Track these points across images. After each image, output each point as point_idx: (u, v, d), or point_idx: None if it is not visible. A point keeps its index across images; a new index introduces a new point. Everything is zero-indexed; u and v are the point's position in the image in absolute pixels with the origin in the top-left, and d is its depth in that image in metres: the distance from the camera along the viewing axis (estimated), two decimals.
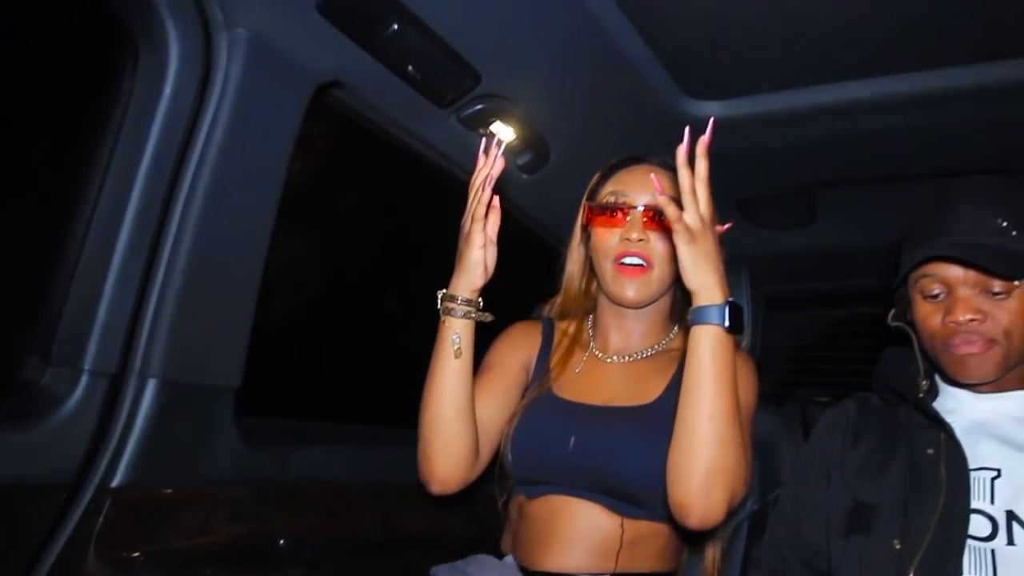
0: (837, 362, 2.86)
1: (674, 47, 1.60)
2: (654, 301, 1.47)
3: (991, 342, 1.26)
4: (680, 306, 1.54)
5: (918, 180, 1.98)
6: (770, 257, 2.45)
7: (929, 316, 1.31)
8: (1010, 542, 1.19)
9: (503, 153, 1.26)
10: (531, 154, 1.86)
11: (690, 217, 1.11)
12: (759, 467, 1.68)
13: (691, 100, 1.79)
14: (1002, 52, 1.49)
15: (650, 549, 1.38)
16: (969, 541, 1.21)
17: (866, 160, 1.97)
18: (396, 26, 1.35)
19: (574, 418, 1.40)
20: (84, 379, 1.17)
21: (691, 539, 1.45)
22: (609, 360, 1.51)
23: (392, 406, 1.82)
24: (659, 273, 1.41)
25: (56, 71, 1.22)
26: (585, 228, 1.52)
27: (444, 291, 1.32)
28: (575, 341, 1.56)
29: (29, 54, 1.18)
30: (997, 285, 1.24)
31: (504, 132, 1.73)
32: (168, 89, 1.21)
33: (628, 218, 1.41)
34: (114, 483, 1.19)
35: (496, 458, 1.44)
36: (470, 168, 1.85)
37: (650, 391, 1.42)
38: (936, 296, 1.30)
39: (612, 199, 1.45)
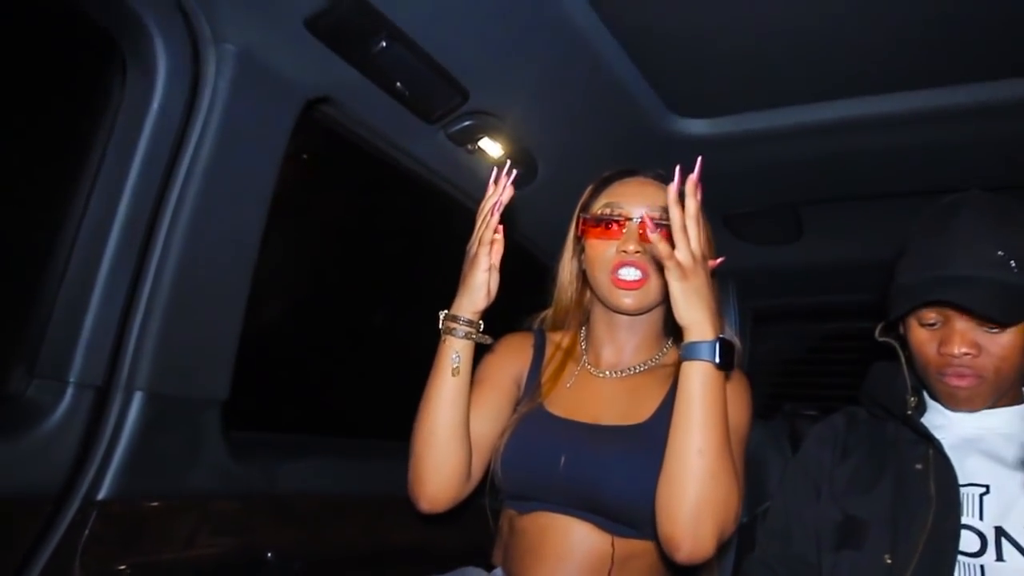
0: (824, 376, 2.86)
1: (661, 65, 1.61)
2: (652, 309, 1.48)
3: (981, 378, 1.26)
4: (674, 320, 1.54)
5: (905, 197, 1.99)
6: (757, 272, 2.46)
7: (924, 344, 1.31)
8: (999, 558, 1.19)
9: (512, 182, 1.29)
10: (519, 170, 1.86)
11: (681, 254, 1.13)
12: (747, 480, 1.68)
13: (678, 118, 1.80)
14: (988, 72, 1.51)
15: (641, 565, 1.37)
16: (958, 556, 1.21)
17: (852, 177, 1.98)
18: (384, 43, 1.36)
19: (565, 436, 1.39)
20: (70, 391, 1.17)
21: None
22: (601, 375, 1.50)
23: (380, 419, 1.83)
24: (656, 283, 1.40)
25: (44, 85, 1.23)
26: (578, 240, 1.52)
27: (446, 311, 1.33)
28: (567, 354, 1.55)
29: (17, 68, 1.18)
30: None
31: (492, 148, 1.75)
32: (156, 104, 1.21)
33: (624, 230, 1.42)
34: (100, 496, 1.18)
35: (488, 471, 1.43)
36: (458, 184, 1.89)
37: (642, 410, 1.41)
38: (933, 324, 1.30)
39: (608, 211, 1.45)
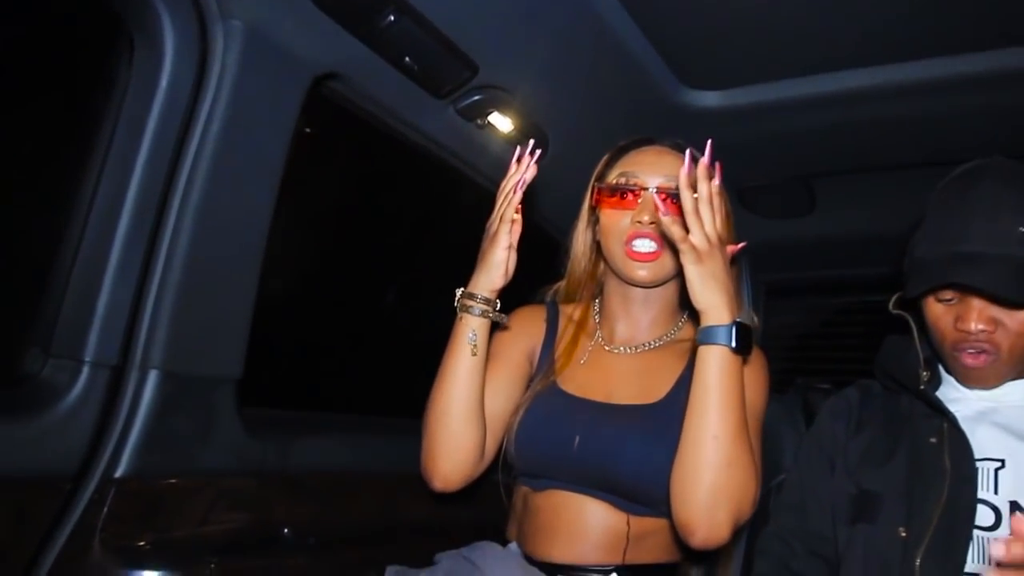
0: (838, 349, 2.85)
1: (672, 37, 1.60)
2: (667, 281, 1.45)
3: (997, 355, 1.24)
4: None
5: (918, 168, 1.97)
6: (770, 246, 2.45)
7: (940, 318, 1.29)
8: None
9: (536, 161, 1.27)
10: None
11: (696, 238, 1.12)
12: (761, 454, 1.69)
13: (689, 90, 1.79)
14: (1002, 40, 1.48)
15: (657, 541, 1.37)
16: (972, 534, 1.21)
17: (865, 149, 1.97)
18: (392, 17, 1.35)
19: (579, 416, 1.38)
20: (85, 371, 1.18)
21: None
22: (616, 351, 1.48)
23: (394, 395, 1.83)
24: (671, 256, 1.37)
25: (51, 64, 1.23)
26: (593, 210, 1.49)
27: (463, 288, 1.31)
28: (580, 328, 1.53)
29: (24, 47, 1.18)
30: None
31: (502, 123, 1.74)
32: (164, 81, 1.21)
33: (639, 200, 1.39)
34: (117, 474, 1.20)
35: (501, 448, 1.43)
36: (468, 159, 1.88)
37: (657, 389, 1.40)
38: (949, 300, 1.28)
39: (623, 180, 1.42)
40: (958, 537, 1.20)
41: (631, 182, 1.41)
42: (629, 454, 1.31)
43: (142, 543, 1.22)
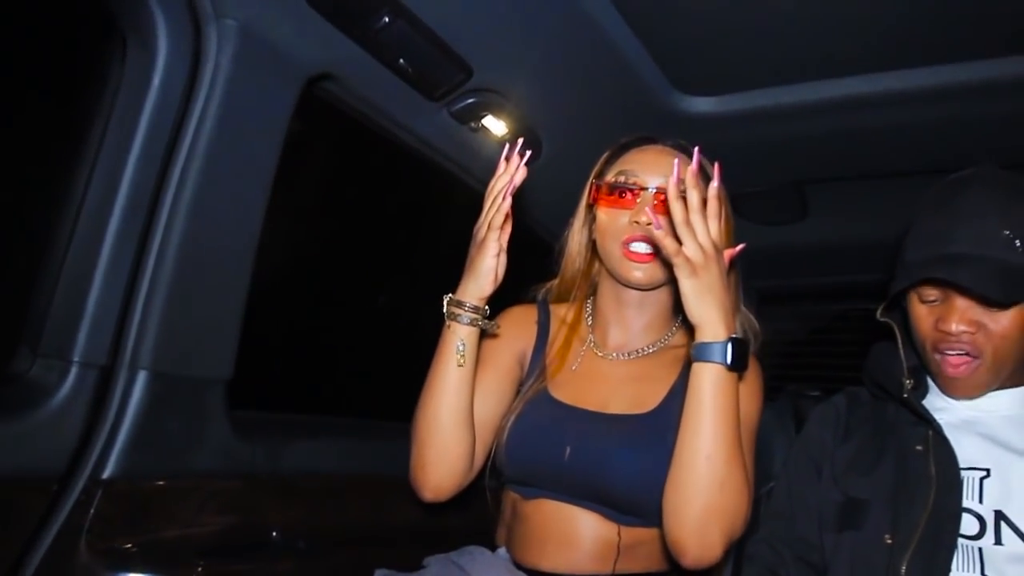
0: (828, 356, 2.86)
1: (666, 42, 1.60)
2: (662, 284, 1.42)
3: (979, 360, 1.25)
4: None
5: (911, 176, 1.99)
6: (762, 252, 2.45)
7: (923, 319, 1.30)
8: (997, 542, 1.20)
9: (526, 162, 1.24)
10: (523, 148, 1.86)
11: (690, 250, 1.09)
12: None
13: (683, 96, 1.79)
14: (996, 49, 1.49)
15: (648, 551, 1.35)
16: (956, 542, 1.22)
17: (858, 156, 1.97)
18: (387, 18, 1.34)
19: (570, 425, 1.35)
20: (73, 371, 1.17)
21: None
22: (609, 357, 1.46)
23: (384, 398, 1.83)
24: None
25: (43, 62, 1.22)
26: (590, 208, 1.46)
27: (450, 296, 1.28)
28: (572, 331, 1.50)
29: (15, 45, 1.17)
30: None
31: (495, 126, 1.73)
32: (157, 80, 1.20)
33: (638, 200, 1.35)
34: (105, 475, 1.19)
35: (491, 453, 1.41)
36: (461, 162, 1.87)
37: (649, 398, 1.37)
38: (933, 301, 1.29)
39: (622, 179, 1.39)
40: (943, 545, 1.21)
41: (630, 181, 1.38)
42: (620, 466, 1.29)
43: (129, 545, 1.21)
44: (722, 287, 1.13)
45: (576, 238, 1.50)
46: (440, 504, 1.39)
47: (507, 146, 1.26)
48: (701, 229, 1.10)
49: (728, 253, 1.19)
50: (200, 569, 1.26)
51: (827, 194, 2.25)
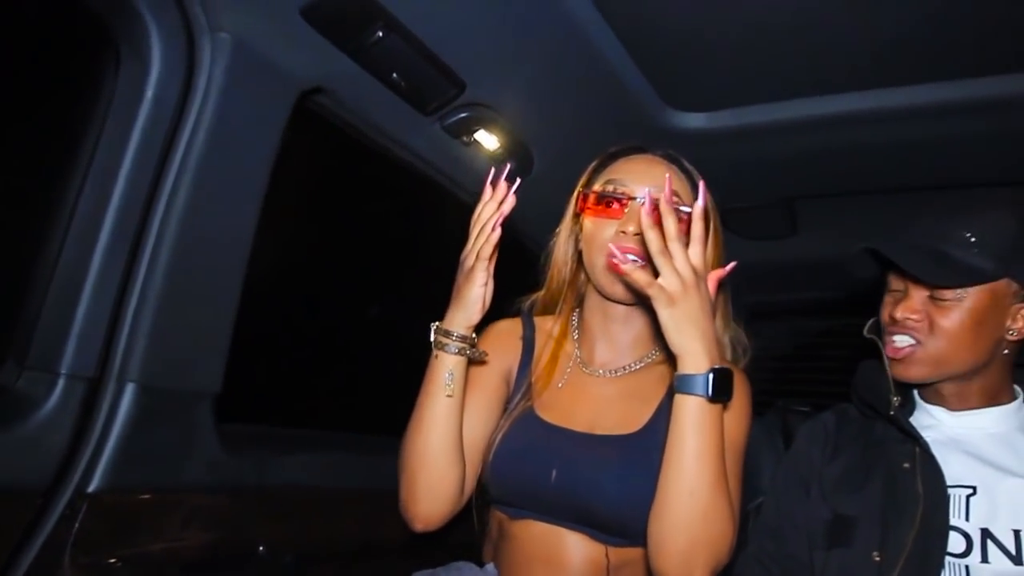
0: (818, 372, 2.87)
1: (657, 58, 1.61)
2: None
3: (919, 347, 1.30)
4: None
5: (900, 193, 2.00)
6: (752, 268, 2.45)
7: (885, 308, 1.37)
8: (984, 559, 1.20)
9: (515, 190, 1.21)
10: (515, 162, 1.86)
11: (667, 279, 1.06)
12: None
13: (674, 111, 1.80)
14: (984, 68, 1.51)
15: (636, 571, 1.32)
16: (944, 559, 1.22)
17: (848, 172, 1.99)
18: (380, 33, 1.35)
19: (556, 447, 1.32)
20: (61, 383, 1.16)
21: None
22: (596, 375, 1.42)
23: (372, 413, 1.82)
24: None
25: (37, 73, 1.21)
26: (577, 217, 1.42)
27: (437, 324, 1.26)
28: (559, 346, 1.46)
29: (8, 55, 1.17)
30: (947, 293, 1.27)
31: (488, 141, 1.74)
32: (150, 93, 1.20)
33: (626, 210, 1.31)
34: (91, 488, 1.18)
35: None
36: (454, 176, 1.88)
37: (636, 418, 1.34)
38: (895, 291, 1.35)
39: (610, 188, 1.34)
40: (932, 563, 1.21)
41: (618, 190, 1.34)
42: (607, 489, 1.27)
43: (113, 560, 1.20)
44: (704, 314, 1.09)
45: (562, 248, 1.46)
46: None
47: (493, 170, 1.24)
48: (680, 256, 1.07)
49: (716, 275, 1.17)
50: None
51: (817, 210, 2.26)
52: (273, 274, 1.65)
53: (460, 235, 1.29)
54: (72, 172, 1.20)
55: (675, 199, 1.28)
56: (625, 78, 1.64)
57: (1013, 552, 1.19)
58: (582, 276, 1.47)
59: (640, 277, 1.07)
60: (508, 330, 1.49)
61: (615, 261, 1.12)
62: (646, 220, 1.07)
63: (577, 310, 1.51)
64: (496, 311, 1.45)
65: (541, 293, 1.51)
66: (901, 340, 1.32)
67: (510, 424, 1.37)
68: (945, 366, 1.30)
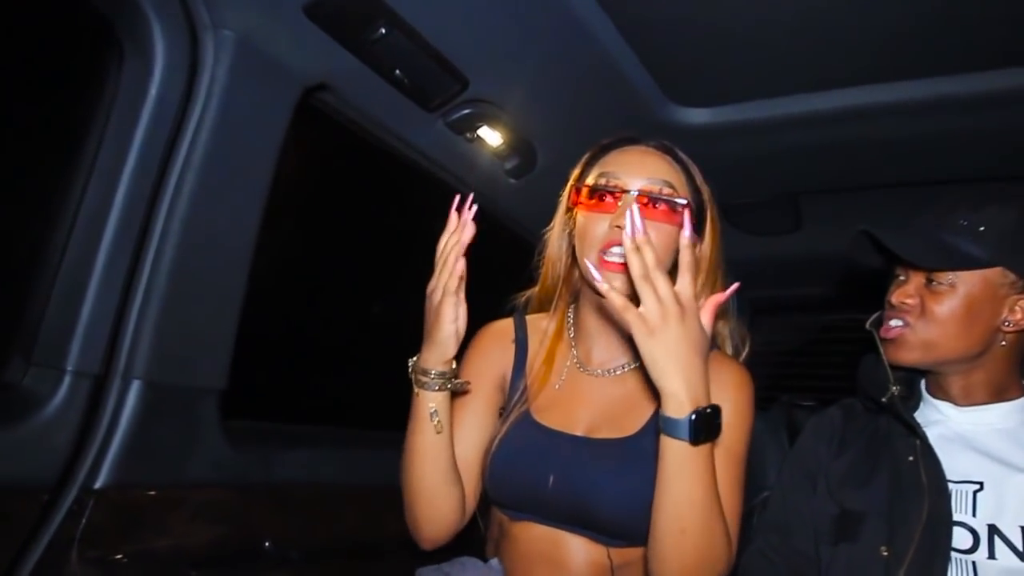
0: (823, 366, 2.87)
1: (661, 54, 1.61)
2: None
3: (909, 329, 1.32)
4: None
5: (904, 187, 2.00)
6: (756, 263, 2.46)
7: (888, 294, 1.38)
8: (991, 555, 1.20)
9: (474, 218, 1.17)
10: (518, 159, 1.86)
11: (647, 307, 1.00)
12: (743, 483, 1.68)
13: (677, 107, 1.80)
14: (988, 62, 1.51)
15: (640, 570, 1.29)
16: (951, 552, 1.22)
17: (852, 167, 1.98)
18: (384, 30, 1.35)
19: (554, 451, 1.29)
20: (67, 380, 1.16)
21: None
22: (594, 374, 1.38)
23: (376, 408, 1.82)
24: None
25: (40, 72, 1.22)
26: (570, 211, 1.37)
27: (414, 361, 1.23)
28: (555, 345, 1.43)
29: (13, 53, 1.17)
30: (941, 278, 1.29)
31: (491, 137, 1.74)
32: (154, 90, 1.21)
33: (619, 203, 1.25)
34: (97, 484, 1.18)
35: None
36: (457, 173, 1.88)
37: (634, 419, 1.30)
38: (898, 277, 1.37)
39: (603, 182, 1.28)
40: (939, 554, 1.21)
41: (611, 183, 1.28)
42: (605, 493, 1.25)
43: (120, 555, 1.20)
44: (689, 348, 1.02)
45: (555, 243, 1.41)
46: None
47: (456, 198, 1.20)
48: (663, 284, 1.01)
49: (714, 300, 1.09)
50: None
51: (821, 205, 2.26)
52: (277, 270, 1.65)
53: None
54: (76, 169, 1.20)
55: (669, 191, 1.27)
56: (628, 74, 1.63)
57: (1020, 548, 1.19)
58: (576, 272, 1.41)
59: (616, 301, 1.01)
60: (498, 333, 1.46)
61: (596, 283, 1.07)
62: (628, 244, 1.03)
63: (572, 307, 1.46)
64: (495, 311, 1.45)
65: (535, 290, 1.47)
66: (894, 323, 1.35)
67: (507, 429, 1.34)
68: (935, 351, 1.31)
